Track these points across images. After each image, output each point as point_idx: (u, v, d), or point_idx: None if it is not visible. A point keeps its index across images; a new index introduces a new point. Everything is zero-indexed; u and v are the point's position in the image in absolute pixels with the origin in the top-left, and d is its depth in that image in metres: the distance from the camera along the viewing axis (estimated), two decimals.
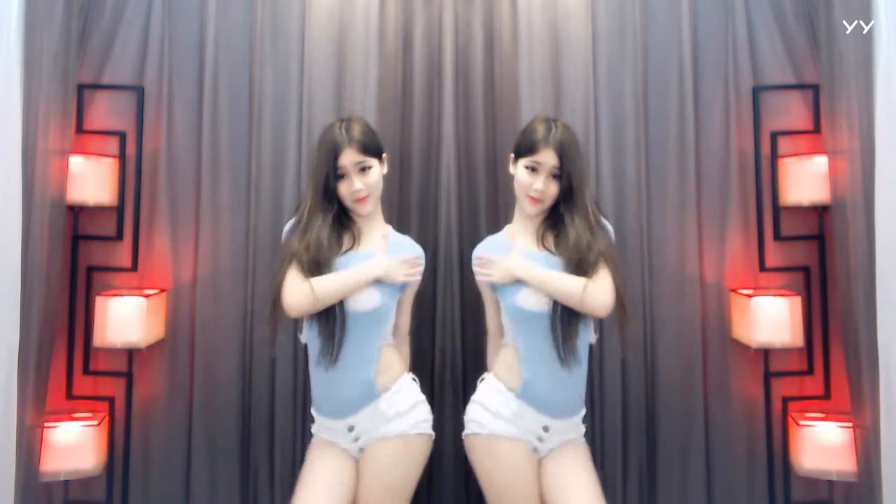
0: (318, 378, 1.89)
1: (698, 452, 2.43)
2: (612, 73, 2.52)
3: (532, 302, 1.84)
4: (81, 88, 2.44)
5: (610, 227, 1.96)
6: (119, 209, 2.46)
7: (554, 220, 1.92)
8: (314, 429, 1.96)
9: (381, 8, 2.49)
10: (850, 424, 2.28)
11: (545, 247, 1.90)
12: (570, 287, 1.80)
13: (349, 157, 1.85)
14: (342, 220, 1.93)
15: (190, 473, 2.42)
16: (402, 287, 1.94)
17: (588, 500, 1.80)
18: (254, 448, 2.43)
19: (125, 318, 2.29)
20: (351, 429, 1.86)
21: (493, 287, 1.93)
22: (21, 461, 2.12)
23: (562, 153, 1.84)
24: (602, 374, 2.43)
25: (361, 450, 1.87)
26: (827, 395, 2.45)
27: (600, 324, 2.41)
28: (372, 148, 1.90)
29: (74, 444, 2.28)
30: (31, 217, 2.15)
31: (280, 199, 2.46)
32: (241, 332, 2.45)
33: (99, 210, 2.45)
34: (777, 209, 2.48)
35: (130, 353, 2.41)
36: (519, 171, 1.91)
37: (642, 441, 2.44)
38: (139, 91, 2.49)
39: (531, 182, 1.87)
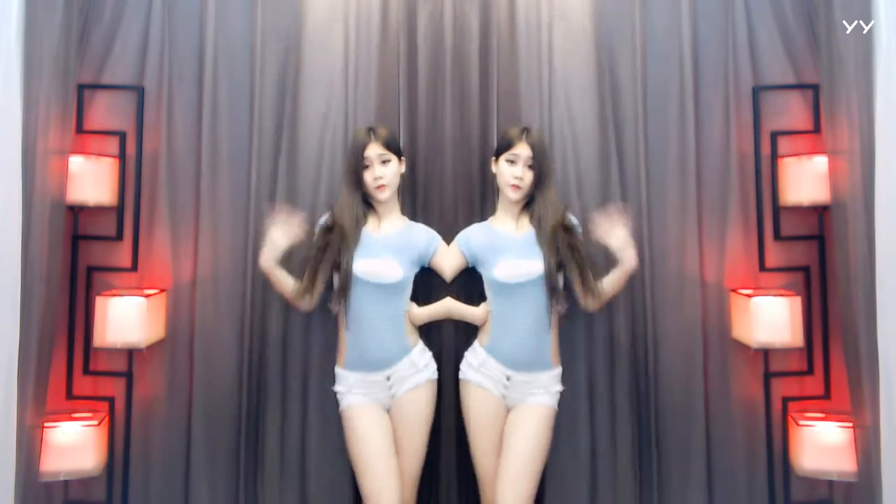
0: (356, 341, 2.22)
1: (698, 452, 2.43)
2: (613, 72, 2.52)
3: (505, 275, 2.20)
4: (81, 88, 2.44)
5: (575, 221, 2.29)
6: (119, 209, 2.46)
7: (530, 209, 2.29)
8: (342, 388, 2.25)
9: (381, 8, 2.49)
10: (850, 424, 2.28)
11: (520, 230, 2.28)
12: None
13: (373, 150, 2.22)
14: (367, 210, 2.30)
15: (190, 473, 2.42)
16: (420, 263, 2.30)
17: (521, 461, 2.14)
18: (253, 447, 2.43)
19: (125, 318, 2.29)
20: (388, 378, 2.23)
21: (475, 262, 2.30)
22: (21, 461, 2.12)
23: (534, 147, 2.23)
24: (602, 374, 2.43)
25: (394, 396, 2.24)
26: (827, 395, 2.45)
27: (603, 317, 2.43)
28: (393, 146, 2.26)
29: (74, 444, 2.28)
30: (31, 217, 2.15)
31: (279, 198, 2.46)
32: (241, 332, 2.45)
33: (99, 210, 2.45)
34: (777, 209, 2.48)
35: (130, 353, 2.41)
36: (500, 166, 2.27)
37: (643, 441, 2.44)
38: (139, 91, 2.49)
39: (511, 171, 2.24)
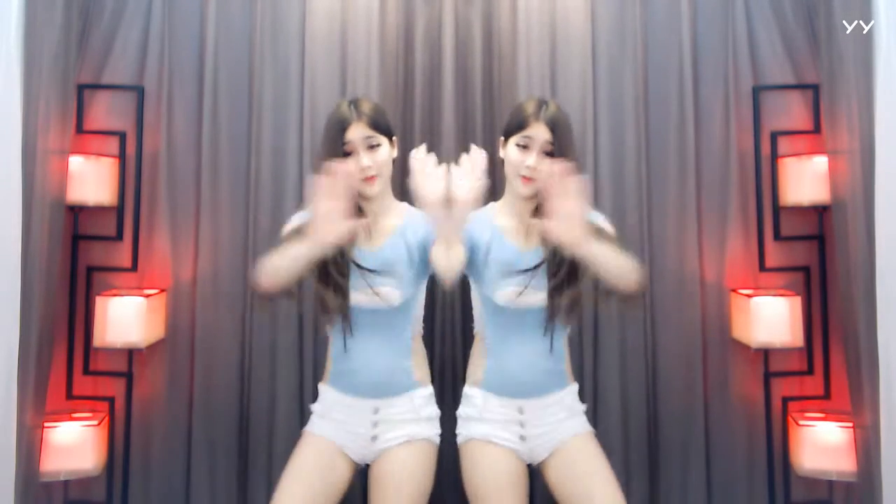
0: (347, 362, 1.79)
1: (698, 452, 2.43)
2: (612, 73, 2.52)
3: (508, 300, 1.77)
4: (81, 88, 2.44)
5: (601, 218, 1.87)
6: (119, 209, 2.46)
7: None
8: (317, 410, 1.84)
9: (381, 7, 2.49)
10: (850, 424, 2.28)
11: (529, 239, 1.78)
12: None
13: (357, 132, 1.73)
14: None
15: (190, 473, 2.42)
16: (425, 276, 1.86)
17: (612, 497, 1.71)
18: (253, 447, 2.43)
19: (125, 318, 2.29)
20: (376, 411, 1.77)
21: (472, 275, 1.86)
22: (21, 461, 2.12)
23: (554, 128, 1.74)
24: (601, 375, 2.43)
25: (375, 439, 1.77)
26: (827, 395, 2.45)
27: (594, 324, 2.42)
28: (382, 125, 1.78)
29: (74, 444, 2.28)
30: (31, 217, 2.15)
31: (280, 198, 2.46)
32: (241, 332, 2.45)
33: (99, 210, 2.45)
34: (777, 209, 2.48)
35: (130, 353, 2.41)
36: (509, 149, 1.79)
37: (643, 441, 2.44)
38: (139, 91, 2.49)
39: (522, 159, 1.75)
